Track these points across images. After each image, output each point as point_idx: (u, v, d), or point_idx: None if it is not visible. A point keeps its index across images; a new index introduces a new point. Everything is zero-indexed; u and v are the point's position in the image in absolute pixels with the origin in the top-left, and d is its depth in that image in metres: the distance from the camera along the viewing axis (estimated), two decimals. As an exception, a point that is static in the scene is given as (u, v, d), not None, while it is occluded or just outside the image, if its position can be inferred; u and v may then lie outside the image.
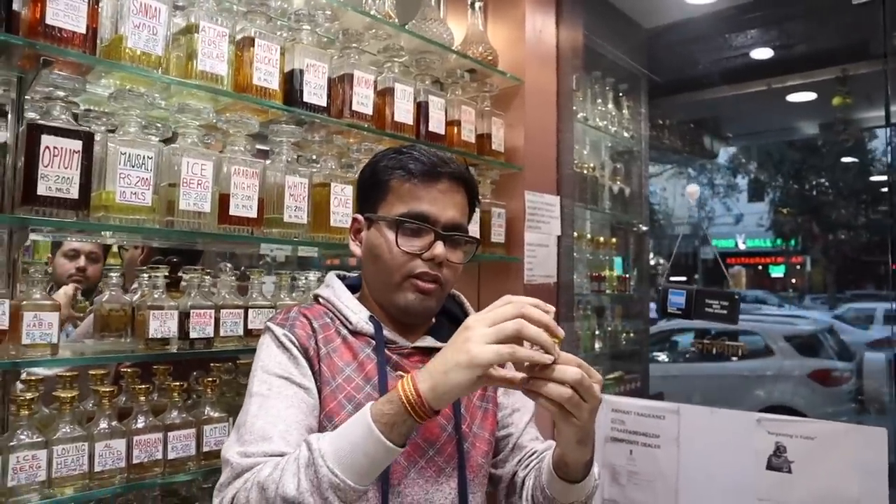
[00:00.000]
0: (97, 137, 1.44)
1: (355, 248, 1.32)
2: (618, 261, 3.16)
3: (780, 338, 6.58)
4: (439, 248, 1.22)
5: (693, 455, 2.26)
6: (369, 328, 1.25)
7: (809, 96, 4.00)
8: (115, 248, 2.69)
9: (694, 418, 2.27)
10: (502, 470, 1.38)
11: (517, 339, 0.96)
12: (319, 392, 1.19)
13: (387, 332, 1.26)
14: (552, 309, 1.02)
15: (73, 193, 1.38)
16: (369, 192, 1.29)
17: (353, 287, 1.37)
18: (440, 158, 1.25)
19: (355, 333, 1.25)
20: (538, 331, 0.96)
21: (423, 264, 1.22)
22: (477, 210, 2.31)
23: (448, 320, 1.38)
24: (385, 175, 1.26)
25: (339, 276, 1.39)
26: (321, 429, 1.16)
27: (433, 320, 1.37)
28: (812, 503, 2.01)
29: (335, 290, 1.32)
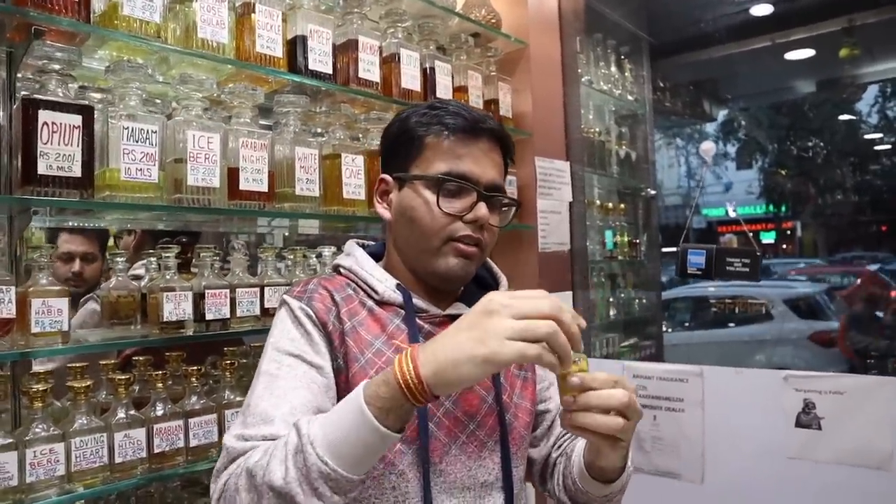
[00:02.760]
0: (96, 114, 1.36)
1: (383, 212, 1.21)
2: (608, 233, 3.08)
3: (779, 301, 6.58)
4: (483, 210, 1.12)
5: (719, 417, 2.22)
6: (397, 297, 1.16)
7: (808, 53, 3.94)
8: (112, 240, 2.61)
9: (718, 380, 2.23)
10: (538, 450, 1.32)
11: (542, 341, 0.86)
12: (347, 370, 1.10)
13: (416, 300, 1.18)
14: (584, 323, 0.92)
15: (76, 171, 1.30)
16: (400, 150, 1.18)
17: (375, 255, 1.27)
18: (480, 114, 1.16)
19: (382, 304, 1.15)
20: (567, 344, 0.86)
21: (465, 227, 1.12)
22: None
23: (477, 286, 1.29)
24: (419, 130, 1.15)
25: (359, 244, 1.30)
26: None
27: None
28: (844, 459, 1.98)
29: (357, 259, 1.21)
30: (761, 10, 3.34)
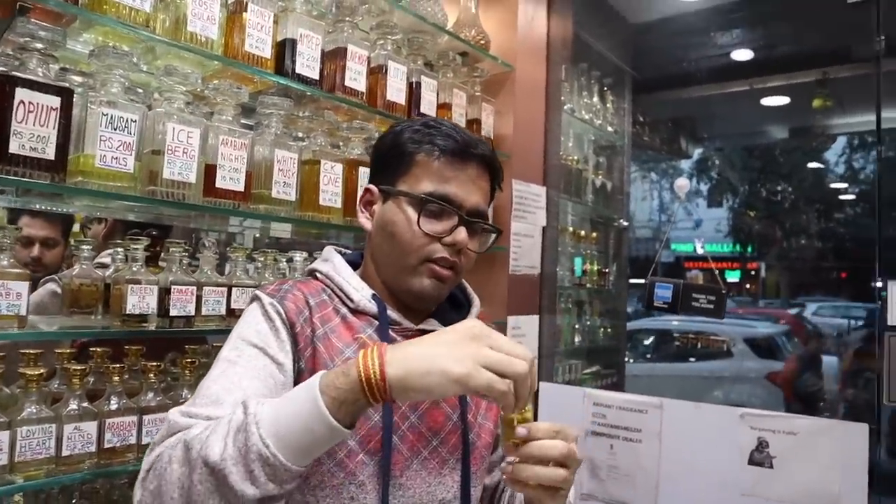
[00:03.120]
0: (75, 99, 1.34)
1: (365, 222, 1.21)
2: (577, 260, 3.12)
3: (739, 339, 6.69)
4: (462, 234, 1.13)
5: (675, 450, 2.24)
6: (372, 307, 1.15)
7: (783, 100, 4.06)
8: (77, 227, 2.55)
9: (677, 413, 2.25)
10: (490, 476, 1.31)
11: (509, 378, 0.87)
12: (313, 374, 1.07)
13: (390, 312, 1.17)
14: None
15: (49, 154, 1.27)
16: (389, 163, 1.18)
17: (353, 263, 1.27)
18: (472, 139, 1.16)
19: (355, 312, 1.15)
20: (528, 391, 0.88)
21: (443, 249, 1.13)
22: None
23: (450, 304, 1.30)
24: (410, 147, 1.15)
25: (337, 251, 1.29)
26: None
27: None
28: (794, 498, 2.01)
29: (335, 266, 1.21)
30: (742, 55, 3.44)
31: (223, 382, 0.99)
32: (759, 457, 2.09)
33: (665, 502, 2.24)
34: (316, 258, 1.90)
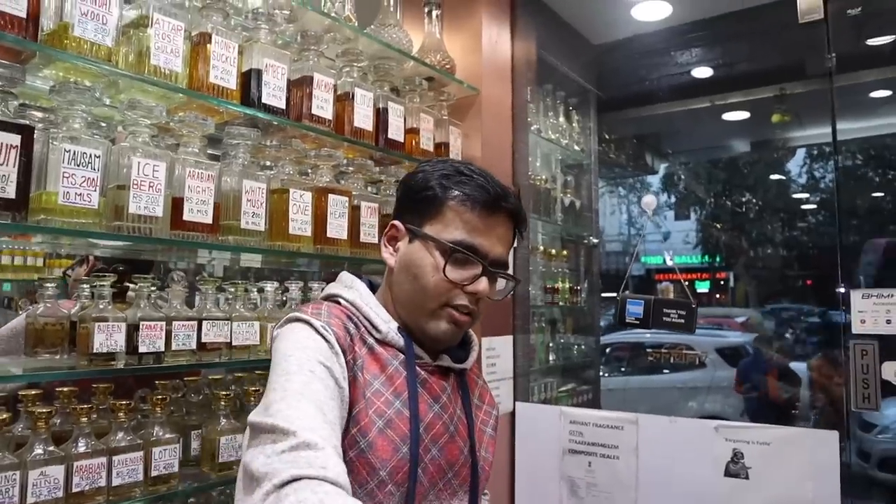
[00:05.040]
0: (36, 135, 1.32)
1: (388, 257, 1.23)
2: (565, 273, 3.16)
3: (711, 350, 6.76)
4: (483, 284, 1.16)
5: (652, 465, 2.26)
6: (399, 340, 1.18)
7: (743, 115, 4.17)
8: (61, 272, 2.50)
9: (652, 428, 2.27)
10: None
11: None
12: (354, 403, 1.08)
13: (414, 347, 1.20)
14: None
15: (10, 193, 1.25)
16: (419, 205, 1.20)
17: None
18: (503, 190, 1.18)
19: (381, 343, 1.17)
20: None
21: (463, 296, 1.16)
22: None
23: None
24: (443, 193, 1.17)
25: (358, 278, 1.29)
26: (353, 443, 1.07)
27: None
28: (770, 509, 2.04)
29: (361, 294, 1.22)
30: (702, 72, 3.52)
31: (309, 401, 0.96)
32: (735, 468, 2.12)
33: (644, 518, 2.25)
34: (288, 287, 1.89)
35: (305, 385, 0.98)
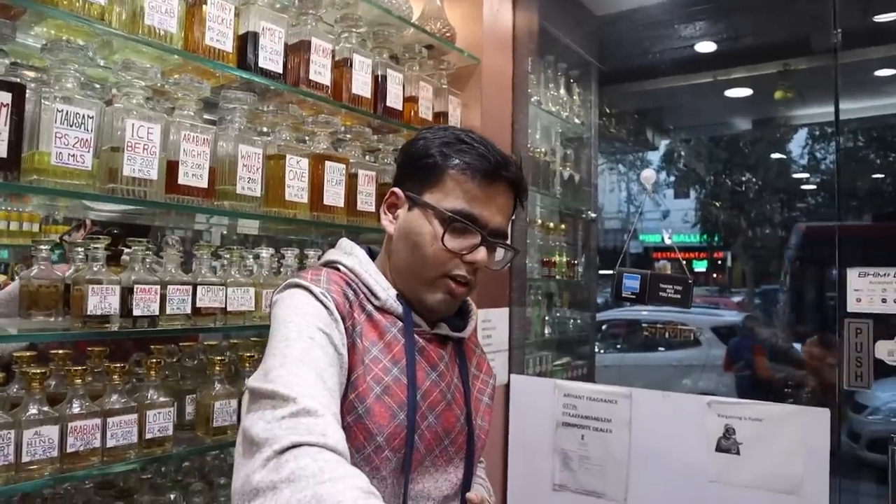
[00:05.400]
0: (28, 94, 1.30)
1: (388, 225, 1.22)
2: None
3: (706, 328, 6.78)
4: (482, 254, 1.16)
5: (644, 439, 2.28)
6: (398, 307, 1.18)
7: (746, 92, 4.12)
8: (58, 237, 2.49)
9: (646, 402, 2.29)
10: None
11: None
12: (352, 369, 1.09)
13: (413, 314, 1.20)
14: None
15: (2, 151, 1.23)
16: (418, 172, 1.19)
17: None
18: (504, 159, 1.17)
19: (380, 310, 1.17)
20: None
21: (462, 266, 1.16)
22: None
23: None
24: (444, 161, 1.16)
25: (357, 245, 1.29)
26: (351, 409, 1.07)
27: None
28: (759, 483, 2.06)
29: (360, 261, 1.21)
30: (705, 47, 3.48)
31: (309, 367, 0.96)
32: (726, 443, 2.13)
33: (635, 491, 2.28)
34: (283, 254, 1.89)
35: (305, 352, 0.99)
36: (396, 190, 1.22)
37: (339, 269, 1.21)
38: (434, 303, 1.18)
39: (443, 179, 1.16)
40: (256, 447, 0.85)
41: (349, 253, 1.24)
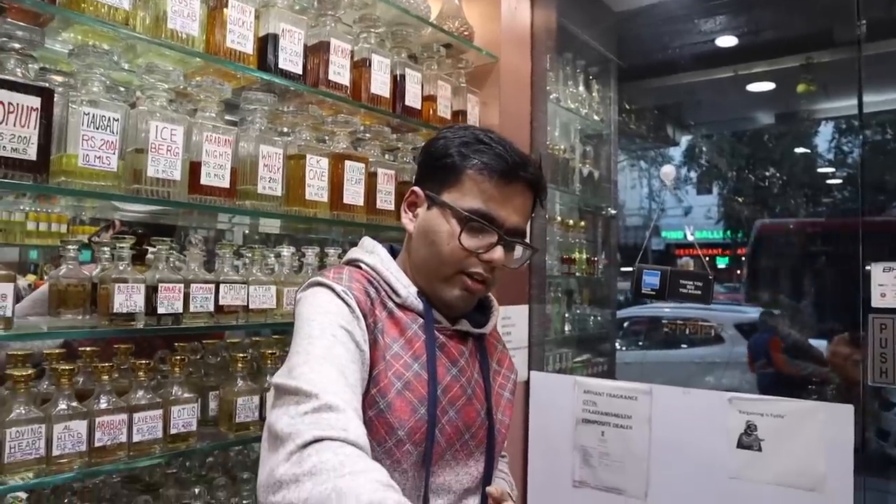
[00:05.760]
0: (56, 98, 1.33)
1: (408, 223, 1.24)
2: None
3: (729, 325, 6.70)
4: (498, 253, 1.17)
5: (665, 435, 2.27)
6: (418, 304, 1.20)
7: (768, 86, 4.07)
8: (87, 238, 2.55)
9: (666, 399, 2.28)
10: None
11: None
12: (374, 365, 1.12)
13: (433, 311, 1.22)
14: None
15: (31, 154, 1.27)
16: (438, 172, 1.20)
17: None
18: (522, 159, 1.18)
19: (401, 308, 1.20)
20: None
21: (479, 264, 1.17)
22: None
23: (476, 306, 1.33)
24: (462, 161, 1.17)
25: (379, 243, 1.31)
26: (372, 403, 1.10)
27: None
28: (782, 480, 2.04)
29: (382, 259, 1.24)
30: (726, 41, 3.44)
31: (331, 364, 0.99)
32: (748, 440, 2.12)
33: (655, 487, 2.27)
34: (304, 253, 1.91)
35: (328, 349, 1.01)
36: (416, 189, 1.24)
37: (360, 268, 1.23)
38: (451, 299, 1.19)
39: (461, 179, 1.17)
40: (280, 442, 0.87)
41: (371, 251, 1.26)
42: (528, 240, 1.26)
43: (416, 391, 1.13)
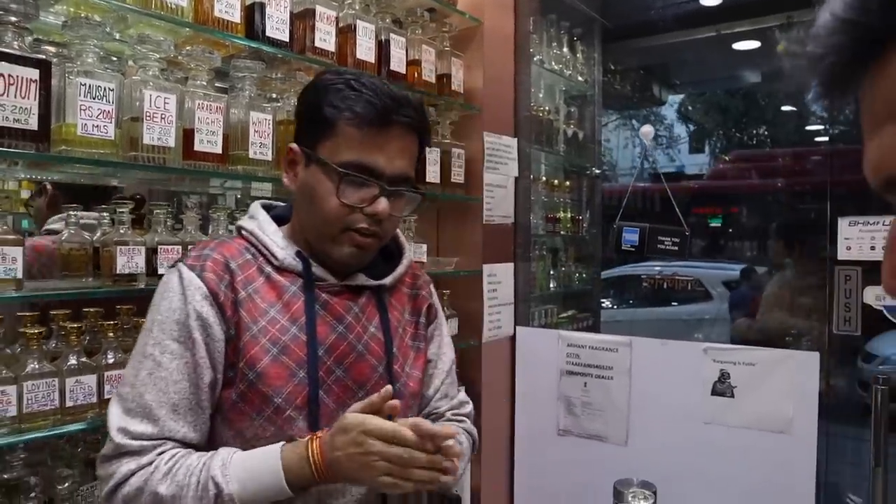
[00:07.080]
0: (53, 70, 1.39)
1: (289, 183, 1.20)
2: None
3: (717, 283, 6.82)
4: (382, 205, 1.13)
5: (644, 385, 2.39)
6: (297, 265, 1.17)
7: (753, 45, 4.10)
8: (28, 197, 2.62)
9: (645, 350, 2.39)
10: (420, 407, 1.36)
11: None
12: (238, 338, 1.10)
13: (315, 269, 1.18)
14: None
15: (33, 124, 1.33)
16: (312, 126, 1.15)
17: (282, 218, 1.26)
18: (395, 101, 1.12)
19: (281, 270, 1.17)
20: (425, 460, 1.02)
21: (364, 218, 1.13)
22: (437, 150, 2.33)
23: (382, 257, 1.31)
24: (331, 112, 1.12)
25: (264, 207, 1.29)
26: (242, 377, 1.10)
27: None
28: (752, 424, 2.17)
29: (260, 223, 1.22)
30: (709, 0, 3.48)
31: (152, 390, 1.06)
32: (721, 387, 2.24)
33: (635, 434, 2.40)
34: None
35: (149, 374, 1.07)
36: (293, 146, 1.19)
37: (242, 234, 1.22)
38: (342, 257, 1.16)
39: (335, 131, 1.12)
40: (101, 461, 1.10)
41: (252, 216, 1.25)
42: (416, 186, 1.21)
43: (294, 354, 1.12)
